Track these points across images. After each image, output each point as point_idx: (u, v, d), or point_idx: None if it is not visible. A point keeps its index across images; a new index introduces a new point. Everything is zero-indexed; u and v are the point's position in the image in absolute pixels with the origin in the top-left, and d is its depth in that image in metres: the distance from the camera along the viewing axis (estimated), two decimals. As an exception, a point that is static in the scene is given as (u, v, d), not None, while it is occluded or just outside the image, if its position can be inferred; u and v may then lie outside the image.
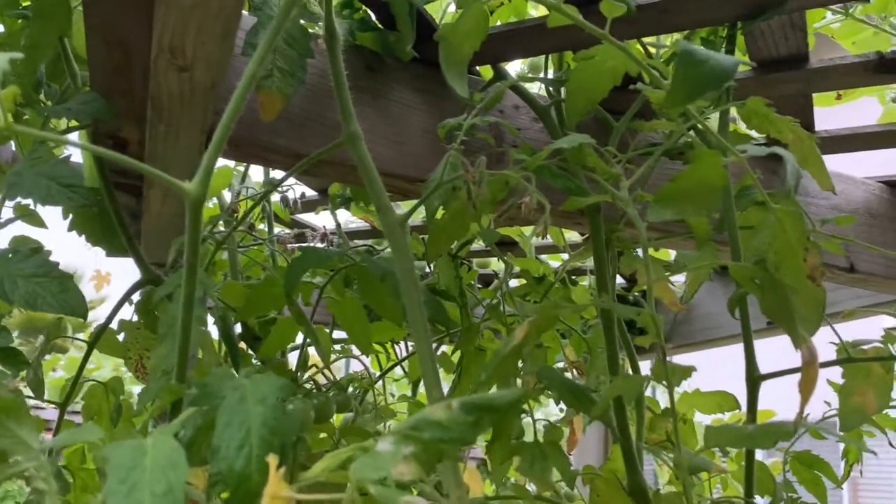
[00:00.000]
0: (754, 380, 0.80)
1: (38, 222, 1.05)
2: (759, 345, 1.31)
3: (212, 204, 1.27)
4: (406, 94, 0.91)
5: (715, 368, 1.57)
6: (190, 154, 0.87)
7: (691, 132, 0.84)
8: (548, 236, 0.82)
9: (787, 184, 0.60)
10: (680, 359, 1.71)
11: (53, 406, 0.90)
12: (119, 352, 0.96)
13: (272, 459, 0.39)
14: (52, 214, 1.09)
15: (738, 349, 1.21)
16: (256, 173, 1.30)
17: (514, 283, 1.98)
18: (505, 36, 0.88)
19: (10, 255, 0.68)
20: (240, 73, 0.81)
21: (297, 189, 1.28)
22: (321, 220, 1.76)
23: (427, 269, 1.13)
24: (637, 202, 0.66)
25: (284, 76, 0.76)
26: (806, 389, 0.51)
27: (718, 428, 0.53)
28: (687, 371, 0.62)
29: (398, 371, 1.41)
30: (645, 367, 1.16)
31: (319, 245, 1.43)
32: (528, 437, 0.75)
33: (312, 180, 1.44)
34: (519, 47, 0.92)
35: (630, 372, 0.93)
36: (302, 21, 0.79)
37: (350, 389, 1.03)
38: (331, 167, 0.85)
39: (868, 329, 0.87)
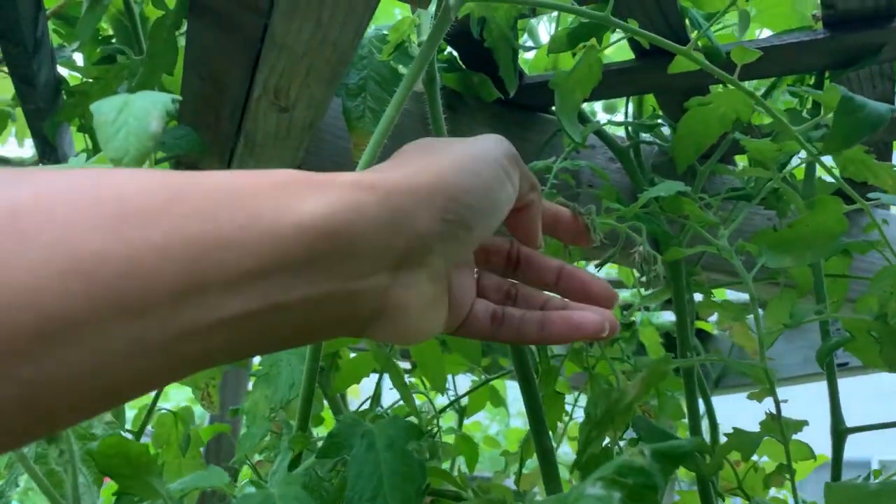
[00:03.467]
0: (840, 432, 0.79)
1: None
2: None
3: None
4: (486, 134, 0.92)
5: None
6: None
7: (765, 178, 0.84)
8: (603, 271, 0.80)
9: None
10: (733, 399, 1.69)
11: (129, 434, 0.91)
12: (190, 381, 0.96)
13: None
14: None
15: (799, 391, 1.19)
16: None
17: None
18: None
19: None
20: (334, 112, 0.83)
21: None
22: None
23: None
24: (738, 252, 0.66)
25: (376, 117, 0.78)
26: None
27: (840, 485, 0.53)
28: (799, 425, 0.61)
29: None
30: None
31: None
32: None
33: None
34: (600, 90, 0.92)
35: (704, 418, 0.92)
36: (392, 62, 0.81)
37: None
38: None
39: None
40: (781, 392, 1.40)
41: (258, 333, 0.27)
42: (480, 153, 0.38)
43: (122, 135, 0.35)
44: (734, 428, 0.63)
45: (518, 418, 3.55)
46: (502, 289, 0.46)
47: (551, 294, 0.46)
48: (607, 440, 0.76)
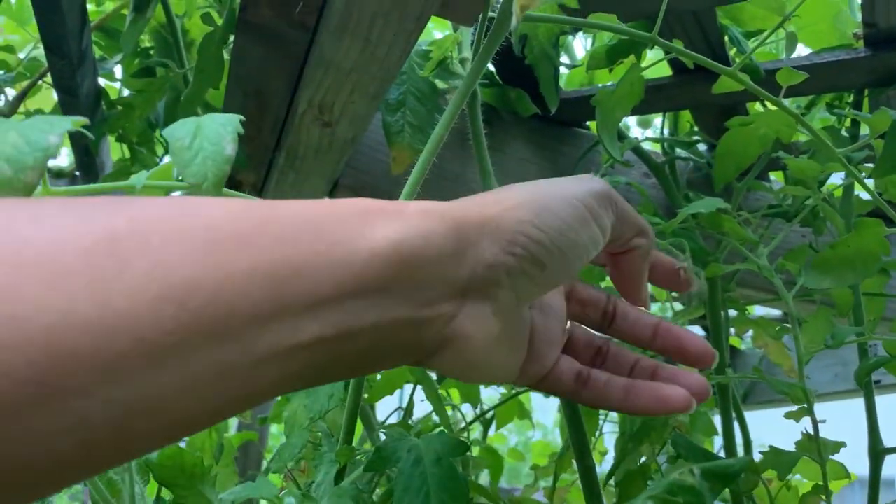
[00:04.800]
0: (878, 453, 0.78)
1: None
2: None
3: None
4: (522, 149, 0.93)
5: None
6: (313, 198, 0.89)
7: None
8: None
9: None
10: (760, 415, 1.68)
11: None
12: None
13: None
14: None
15: (828, 408, 1.18)
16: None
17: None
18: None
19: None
20: (373, 125, 0.84)
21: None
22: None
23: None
24: (777, 271, 0.66)
25: (415, 132, 0.78)
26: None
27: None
28: (837, 446, 0.61)
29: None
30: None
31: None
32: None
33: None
34: (638, 106, 0.92)
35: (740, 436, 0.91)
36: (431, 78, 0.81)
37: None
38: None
39: None
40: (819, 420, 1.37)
41: (331, 358, 0.28)
42: (561, 191, 0.37)
43: (199, 160, 0.36)
44: (770, 447, 0.63)
45: (538, 429, 3.54)
46: (593, 344, 0.44)
47: (642, 356, 0.44)
48: (643, 458, 0.76)
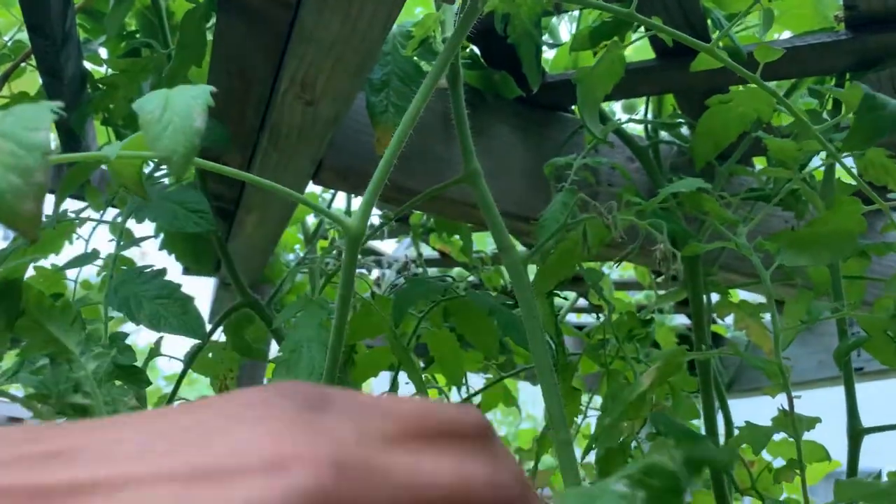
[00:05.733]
0: (857, 433, 0.79)
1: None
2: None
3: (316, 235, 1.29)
4: (506, 132, 0.93)
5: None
6: (296, 182, 0.89)
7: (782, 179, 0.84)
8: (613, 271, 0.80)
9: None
10: (746, 403, 1.69)
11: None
12: (211, 371, 0.97)
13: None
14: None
15: (813, 399, 1.19)
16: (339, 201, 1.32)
17: (571, 317, 1.97)
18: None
19: (136, 276, 0.71)
20: (357, 107, 0.84)
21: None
22: (385, 246, 1.78)
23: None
24: (756, 251, 0.67)
25: (399, 112, 0.78)
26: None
27: (850, 482, 0.53)
28: (812, 422, 0.61)
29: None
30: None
31: (387, 273, 1.44)
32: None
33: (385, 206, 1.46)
34: (620, 89, 0.93)
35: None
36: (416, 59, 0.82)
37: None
38: (436, 202, 0.87)
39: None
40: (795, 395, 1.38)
41: None
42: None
43: (169, 133, 0.35)
44: (746, 422, 0.63)
45: (528, 421, 3.55)
46: None
47: None
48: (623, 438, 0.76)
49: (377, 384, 1.03)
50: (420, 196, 0.74)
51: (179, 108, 0.36)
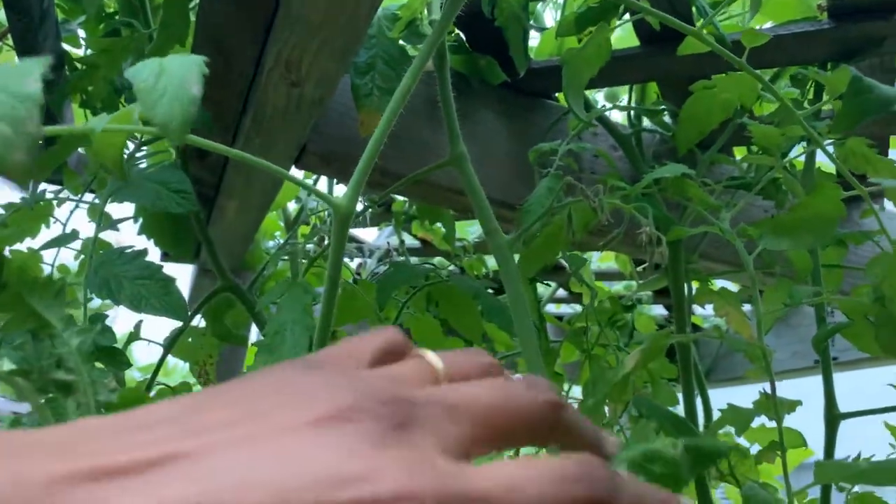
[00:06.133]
0: (834, 417, 0.80)
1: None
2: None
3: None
4: (491, 118, 0.93)
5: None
6: (280, 166, 0.89)
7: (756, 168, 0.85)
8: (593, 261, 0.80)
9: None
10: (721, 393, 1.71)
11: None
12: (191, 356, 0.97)
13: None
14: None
15: (787, 385, 1.21)
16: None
17: (550, 307, 1.98)
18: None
19: (117, 257, 0.70)
20: (341, 91, 0.83)
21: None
22: (366, 234, 1.78)
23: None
24: (741, 236, 0.67)
25: (384, 95, 0.78)
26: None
27: (830, 464, 0.54)
28: (793, 405, 0.62)
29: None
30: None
31: (368, 261, 1.44)
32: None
33: (368, 191, 1.45)
34: (605, 77, 0.93)
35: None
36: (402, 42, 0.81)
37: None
38: (420, 187, 0.86)
39: None
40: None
41: None
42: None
43: (165, 100, 0.35)
44: (729, 404, 0.64)
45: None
46: None
47: None
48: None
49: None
50: (405, 179, 0.74)
51: (175, 75, 0.35)
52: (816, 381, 0.92)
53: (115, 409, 0.41)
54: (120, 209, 1.11)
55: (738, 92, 0.63)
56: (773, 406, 0.57)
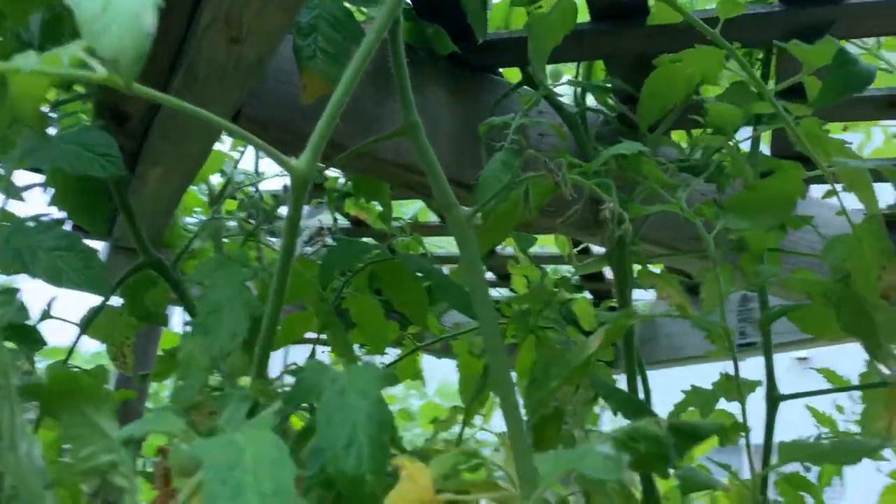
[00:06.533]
0: (774, 399, 0.81)
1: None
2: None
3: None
4: (438, 92, 0.89)
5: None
6: (210, 133, 0.83)
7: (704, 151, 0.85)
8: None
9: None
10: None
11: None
12: (108, 337, 0.90)
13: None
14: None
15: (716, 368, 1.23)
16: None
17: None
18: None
19: (30, 226, 0.63)
20: (284, 55, 0.78)
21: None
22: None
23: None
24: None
25: (328, 59, 0.73)
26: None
27: (794, 444, 0.53)
28: (753, 385, 0.62)
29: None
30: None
31: (302, 240, 1.38)
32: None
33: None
34: (554, 53, 0.91)
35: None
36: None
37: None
38: (364, 160, 0.82)
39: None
40: (684, 371, 1.44)
41: None
42: None
43: (114, 30, 0.30)
44: (692, 385, 0.63)
45: (418, 397, 3.54)
46: None
47: None
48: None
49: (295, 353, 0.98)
50: (353, 149, 0.70)
51: (124, 5, 0.30)
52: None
53: (45, 393, 0.36)
54: (24, 178, 1.01)
55: (703, 66, 0.61)
56: (737, 386, 0.56)
